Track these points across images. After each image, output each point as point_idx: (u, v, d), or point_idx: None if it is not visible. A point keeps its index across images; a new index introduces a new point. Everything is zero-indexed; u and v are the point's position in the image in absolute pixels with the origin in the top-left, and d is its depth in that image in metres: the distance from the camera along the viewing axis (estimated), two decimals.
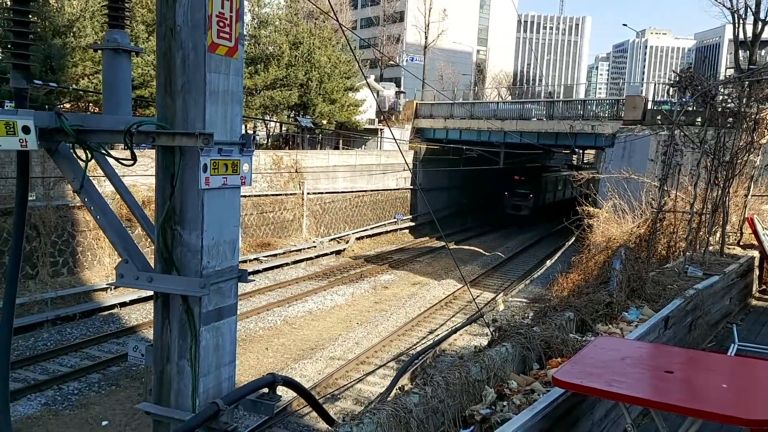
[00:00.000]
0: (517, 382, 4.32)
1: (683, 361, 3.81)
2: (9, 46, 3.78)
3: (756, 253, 11.41)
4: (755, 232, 10.89)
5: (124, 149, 3.65)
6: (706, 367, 3.78)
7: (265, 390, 4.05)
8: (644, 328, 5.17)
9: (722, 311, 8.39)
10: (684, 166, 10.89)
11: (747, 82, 10.14)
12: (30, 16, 3.79)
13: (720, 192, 10.08)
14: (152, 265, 3.85)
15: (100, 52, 4.15)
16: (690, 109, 10.69)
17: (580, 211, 23.07)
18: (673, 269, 8.90)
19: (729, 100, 10.47)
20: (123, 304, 21.51)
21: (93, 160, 3.88)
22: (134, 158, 3.73)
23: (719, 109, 10.09)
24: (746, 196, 12.02)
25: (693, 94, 9.82)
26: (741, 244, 12.23)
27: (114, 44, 4.12)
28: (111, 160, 3.95)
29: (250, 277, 4.16)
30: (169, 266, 3.74)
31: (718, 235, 11.28)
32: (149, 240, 4.00)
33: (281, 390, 4.18)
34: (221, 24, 3.59)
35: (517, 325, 5.11)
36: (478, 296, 27.04)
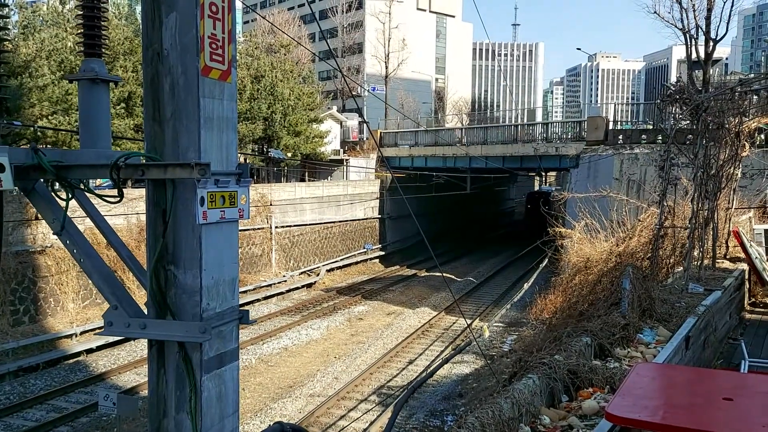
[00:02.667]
0: (549, 417, 4.04)
1: (734, 385, 3.60)
2: None
3: (745, 266, 11.44)
4: (742, 245, 10.91)
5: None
6: (760, 391, 3.58)
7: None
8: (669, 350, 4.95)
9: (726, 327, 8.28)
10: (679, 182, 10.95)
11: (730, 95, 10.25)
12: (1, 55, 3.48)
13: (709, 205, 10.11)
14: (144, 310, 3.51)
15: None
16: (681, 125, 10.83)
17: (552, 232, 23.10)
18: (674, 286, 8.80)
19: (710, 115, 10.56)
20: (90, 351, 20.64)
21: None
22: (121, 195, 3.43)
23: (708, 124, 10.15)
24: (728, 209, 12.09)
25: (683, 107, 9.90)
26: (728, 257, 12.28)
27: (91, 74, 3.83)
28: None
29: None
30: (163, 310, 3.40)
31: (703, 249, 11.29)
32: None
33: None
34: (213, 46, 3.32)
35: (538, 354, 4.85)
36: (454, 322, 26.82)
